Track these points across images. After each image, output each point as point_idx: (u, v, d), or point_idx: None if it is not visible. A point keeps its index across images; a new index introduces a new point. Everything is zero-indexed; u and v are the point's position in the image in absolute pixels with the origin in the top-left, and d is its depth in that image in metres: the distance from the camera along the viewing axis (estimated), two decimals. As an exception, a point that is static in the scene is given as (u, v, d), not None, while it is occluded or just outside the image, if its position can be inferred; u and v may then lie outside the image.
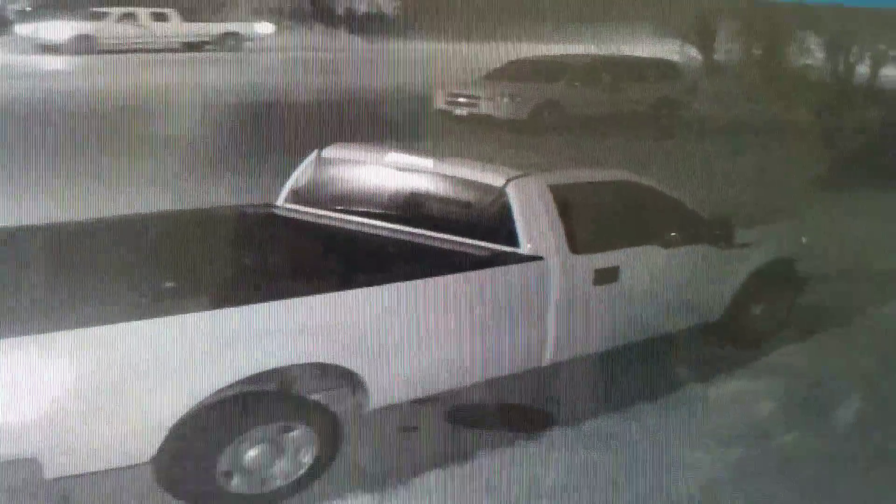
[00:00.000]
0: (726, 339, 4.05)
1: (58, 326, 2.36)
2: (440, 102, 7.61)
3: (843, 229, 4.89)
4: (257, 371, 2.64)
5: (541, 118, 6.93)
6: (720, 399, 3.57)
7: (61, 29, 14.04)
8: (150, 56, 11.74)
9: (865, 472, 3.07)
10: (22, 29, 14.74)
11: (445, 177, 3.50)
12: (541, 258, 3.21)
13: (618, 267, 3.42)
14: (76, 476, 2.48)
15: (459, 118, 7.38)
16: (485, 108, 7.07)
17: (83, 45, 13.46)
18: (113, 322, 2.43)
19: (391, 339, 2.88)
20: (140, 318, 2.47)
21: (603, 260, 3.38)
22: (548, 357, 3.31)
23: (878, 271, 4.70)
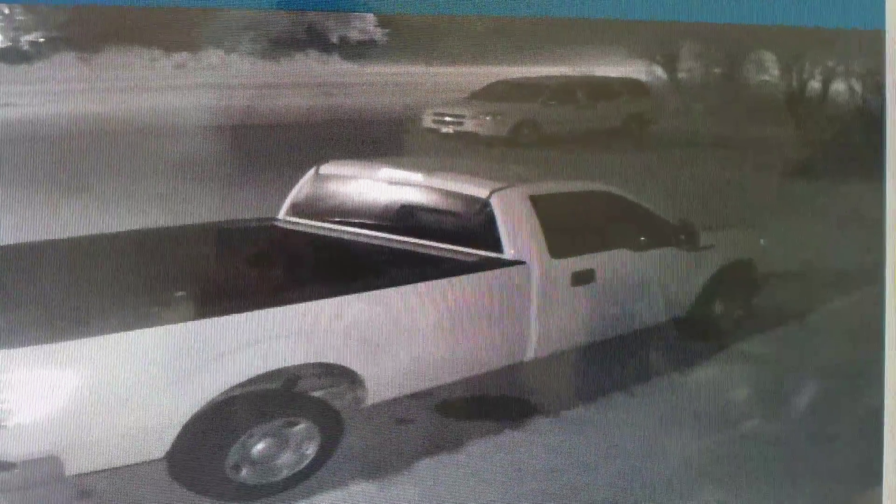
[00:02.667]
0: (693, 333, 4.07)
1: (79, 334, 2.37)
2: (428, 122, 7.62)
3: (800, 231, 4.91)
4: (263, 371, 2.65)
5: (520, 134, 7.02)
6: (690, 388, 3.58)
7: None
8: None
9: (825, 453, 3.09)
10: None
11: (434, 189, 3.51)
12: (523, 263, 3.23)
13: (593, 269, 3.44)
14: (95, 472, 2.48)
15: (446, 136, 7.39)
16: (469, 126, 7.11)
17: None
18: (129, 329, 2.44)
19: (387, 339, 2.89)
20: (153, 325, 2.48)
21: (580, 263, 3.40)
22: (530, 353, 3.32)
23: (832, 269, 4.73)
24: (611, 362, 3.75)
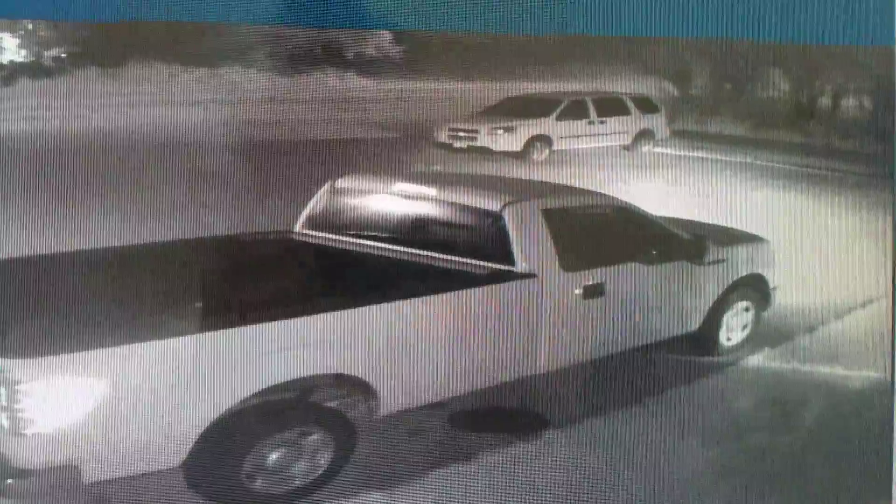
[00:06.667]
0: (703, 347, 4.02)
1: (97, 345, 2.36)
2: (442, 136, 7.63)
3: (810, 243, 4.86)
4: (278, 381, 2.63)
5: (533, 150, 7.02)
6: (700, 402, 3.54)
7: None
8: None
9: (836, 465, 3.05)
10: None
11: (447, 203, 3.49)
12: (534, 276, 3.20)
13: (604, 283, 3.40)
14: (113, 480, 2.47)
15: (459, 150, 7.41)
16: (482, 141, 7.13)
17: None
18: (147, 339, 2.42)
19: (400, 350, 2.86)
20: (171, 335, 2.47)
21: (591, 277, 3.37)
22: (541, 365, 3.29)
23: (843, 283, 4.68)
24: (621, 376, 3.71)
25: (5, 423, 2.31)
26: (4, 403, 2.29)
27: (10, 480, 2.34)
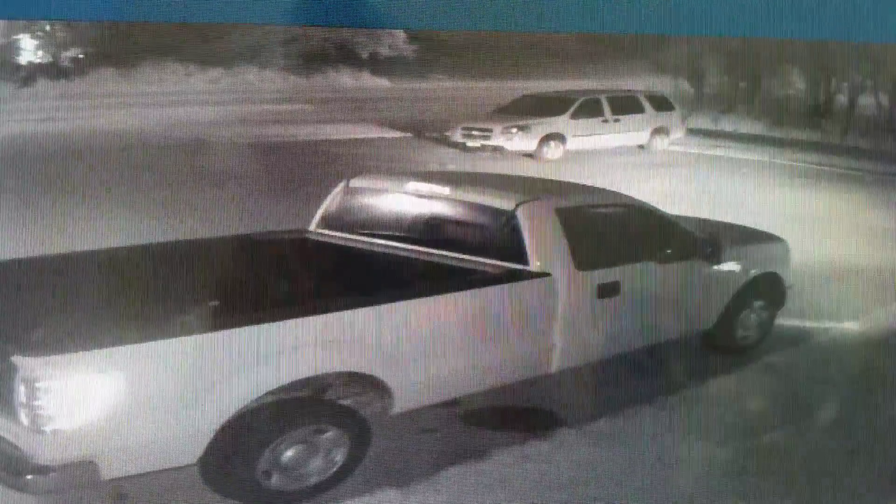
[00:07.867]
0: (718, 346, 4.01)
1: (115, 342, 2.38)
2: (456, 136, 7.69)
3: (826, 244, 4.84)
4: (294, 379, 2.65)
5: (547, 148, 7.04)
6: (713, 401, 3.54)
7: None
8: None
9: (847, 468, 3.03)
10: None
11: (461, 202, 3.50)
12: (548, 275, 3.20)
13: (619, 282, 3.40)
14: (130, 477, 2.49)
15: (474, 150, 7.45)
16: (496, 140, 7.16)
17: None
18: (163, 338, 2.45)
19: (414, 349, 2.87)
20: (189, 333, 2.49)
21: (605, 276, 3.36)
22: (556, 364, 3.29)
23: (858, 280, 4.65)
24: (635, 375, 3.70)
25: (24, 420, 2.34)
26: (24, 400, 2.32)
27: (29, 476, 2.37)
